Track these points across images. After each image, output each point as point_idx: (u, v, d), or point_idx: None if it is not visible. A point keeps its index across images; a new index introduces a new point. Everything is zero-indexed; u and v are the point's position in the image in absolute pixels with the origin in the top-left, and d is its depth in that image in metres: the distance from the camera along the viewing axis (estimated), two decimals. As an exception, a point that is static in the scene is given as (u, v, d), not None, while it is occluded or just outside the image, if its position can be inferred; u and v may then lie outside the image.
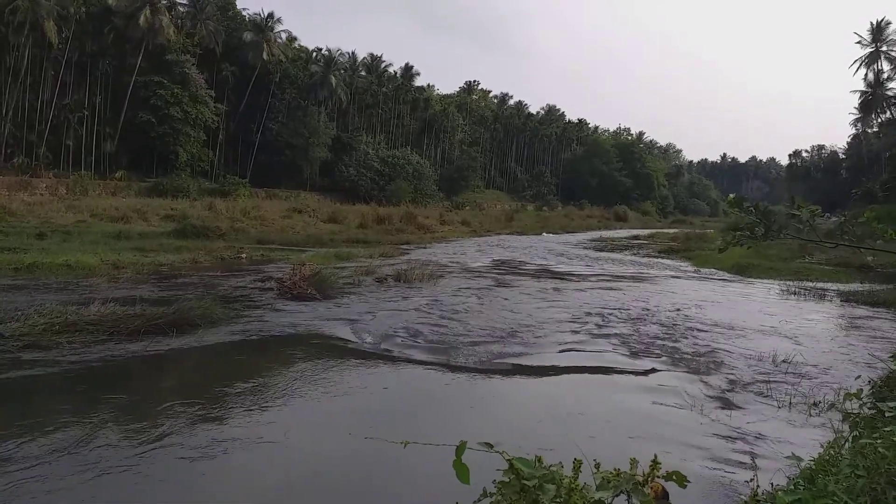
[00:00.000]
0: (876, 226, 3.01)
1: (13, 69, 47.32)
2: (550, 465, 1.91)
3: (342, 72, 70.69)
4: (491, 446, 1.79)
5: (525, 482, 1.83)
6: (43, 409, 6.57)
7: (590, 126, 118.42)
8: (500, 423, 6.58)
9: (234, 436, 5.73)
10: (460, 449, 1.74)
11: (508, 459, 1.83)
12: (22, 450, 5.26)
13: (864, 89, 70.79)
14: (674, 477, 2.04)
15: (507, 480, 1.85)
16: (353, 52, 75.59)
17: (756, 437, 6.04)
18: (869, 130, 74.10)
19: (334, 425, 6.27)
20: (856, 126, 76.32)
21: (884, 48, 68.77)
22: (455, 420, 6.68)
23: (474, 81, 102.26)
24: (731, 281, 20.19)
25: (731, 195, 3.17)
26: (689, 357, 9.23)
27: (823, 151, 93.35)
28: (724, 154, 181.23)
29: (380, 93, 76.77)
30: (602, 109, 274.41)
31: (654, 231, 57.40)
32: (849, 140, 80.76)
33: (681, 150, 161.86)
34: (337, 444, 5.80)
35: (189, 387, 7.76)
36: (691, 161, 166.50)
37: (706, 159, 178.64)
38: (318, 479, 5.15)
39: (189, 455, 5.25)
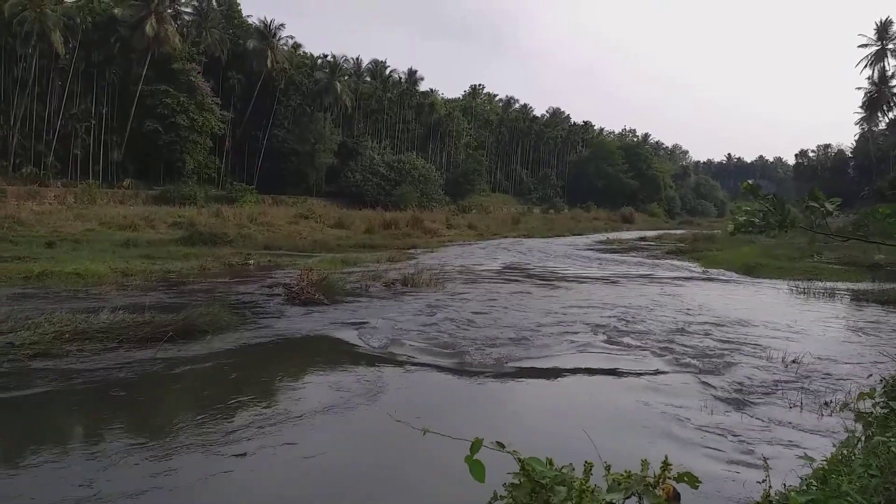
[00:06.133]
0: (891, 222, 2.97)
1: (21, 80, 47.72)
2: (561, 467, 1.91)
3: (347, 78, 70.94)
4: (503, 446, 1.79)
5: (539, 481, 1.82)
6: (53, 418, 6.61)
7: (595, 128, 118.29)
8: (509, 425, 6.57)
9: (246, 443, 5.74)
10: (475, 446, 1.73)
11: (521, 460, 1.83)
12: (31, 460, 5.30)
13: (868, 87, 70.53)
14: (685, 478, 2.03)
15: (518, 483, 1.84)
16: (357, 58, 75.91)
17: (767, 437, 6.00)
18: (875, 129, 73.70)
19: (345, 430, 6.27)
20: (861, 125, 75.93)
21: (890, 46, 68.52)
22: (464, 423, 6.66)
23: (479, 85, 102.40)
24: (739, 281, 20.10)
25: (748, 181, 3.13)
26: (699, 357, 9.19)
27: (830, 150, 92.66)
28: (730, 154, 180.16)
29: (384, 98, 76.96)
30: (607, 111, 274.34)
31: (661, 232, 57.23)
32: (856, 138, 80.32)
33: (687, 151, 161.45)
34: (341, 454, 5.81)
35: (198, 394, 7.77)
36: (698, 161, 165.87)
37: (711, 160, 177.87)
38: (330, 483, 5.15)
39: (200, 463, 5.26)
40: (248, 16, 64.67)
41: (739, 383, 7.84)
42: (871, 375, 7.38)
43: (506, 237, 43.74)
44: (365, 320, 11.55)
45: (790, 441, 5.86)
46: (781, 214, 2.78)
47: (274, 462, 5.36)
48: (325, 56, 70.62)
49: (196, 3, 59.82)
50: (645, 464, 2.14)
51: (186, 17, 59.36)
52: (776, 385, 7.68)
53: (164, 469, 5.10)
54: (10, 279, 14.53)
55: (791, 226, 2.82)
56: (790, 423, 6.40)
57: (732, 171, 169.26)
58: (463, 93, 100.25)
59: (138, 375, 7.75)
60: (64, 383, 7.28)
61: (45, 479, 4.94)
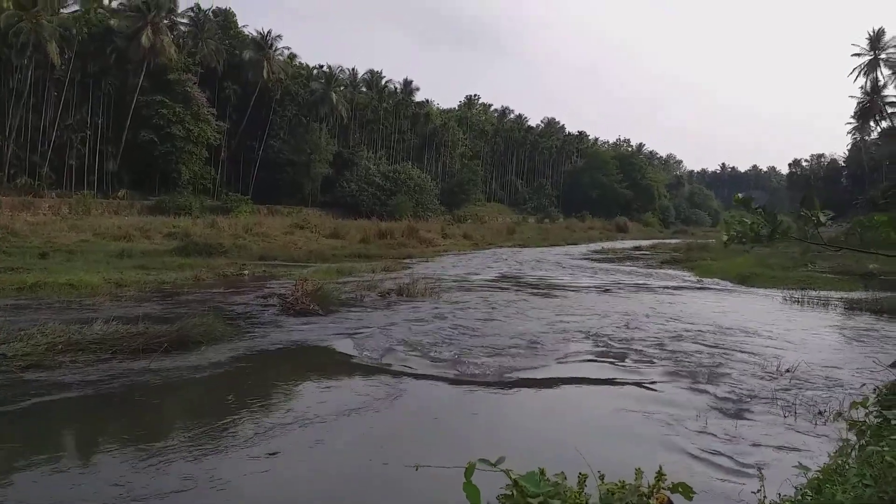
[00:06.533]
0: (886, 231, 2.99)
1: (16, 90, 47.69)
2: (555, 476, 1.90)
3: (343, 88, 71.11)
4: (495, 465, 1.78)
5: (530, 501, 1.81)
6: (44, 430, 6.55)
7: (590, 138, 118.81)
8: (503, 435, 6.55)
9: (237, 457, 5.72)
10: (469, 471, 1.73)
11: (514, 479, 1.82)
12: (58, 464, 5.36)
13: (861, 97, 71.03)
14: (679, 489, 2.02)
15: (511, 494, 1.84)
16: (353, 69, 76.13)
17: (762, 446, 6.00)
18: (868, 138, 74.18)
19: (339, 444, 6.24)
20: (854, 134, 76.40)
21: (882, 56, 69.06)
22: (460, 434, 6.65)
23: (474, 96, 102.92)
24: (733, 290, 20.15)
25: (739, 194, 3.15)
26: (693, 367, 9.20)
27: (823, 160, 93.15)
28: (724, 164, 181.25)
29: (380, 108, 77.19)
30: (601, 121, 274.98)
31: (655, 242, 57.38)
32: (848, 148, 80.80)
33: (681, 161, 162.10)
34: (342, 464, 5.78)
35: (191, 406, 7.74)
36: (692, 171, 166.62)
37: (706, 169, 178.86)
38: (323, 499, 5.13)
39: (192, 477, 5.22)
40: (243, 26, 64.92)
41: (734, 392, 7.84)
42: (864, 385, 7.41)
43: (501, 247, 43.78)
44: (360, 330, 11.53)
45: (785, 450, 5.86)
46: (772, 226, 2.80)
47: (266, 477, 5.34)
48: (321, 66, 70.88)
49: (192, 14, 60.01)
50: (639, 473, 2.13)
51: (182, 28, 59.44)
52: (770, 394, 7.69)
53: (196, 470, 5.17)
54: (3, 290, 14.46)
55: (782, 237, 2.84)
56: (784, 432, 6.41)
57: (727, 181, 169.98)
58: (458, 103, 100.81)
59: (130, 387, 7.71)
60: (56, 395, 7.24)
61: (75, 481, 5.11)
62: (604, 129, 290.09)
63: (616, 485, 2.05)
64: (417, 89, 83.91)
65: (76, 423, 6.91)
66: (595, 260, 34.28)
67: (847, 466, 3.21)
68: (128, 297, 14.71)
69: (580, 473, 2.01)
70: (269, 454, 5.73)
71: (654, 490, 2.05)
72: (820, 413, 6.87)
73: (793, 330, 12.56)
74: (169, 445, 5.93)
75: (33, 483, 5.10)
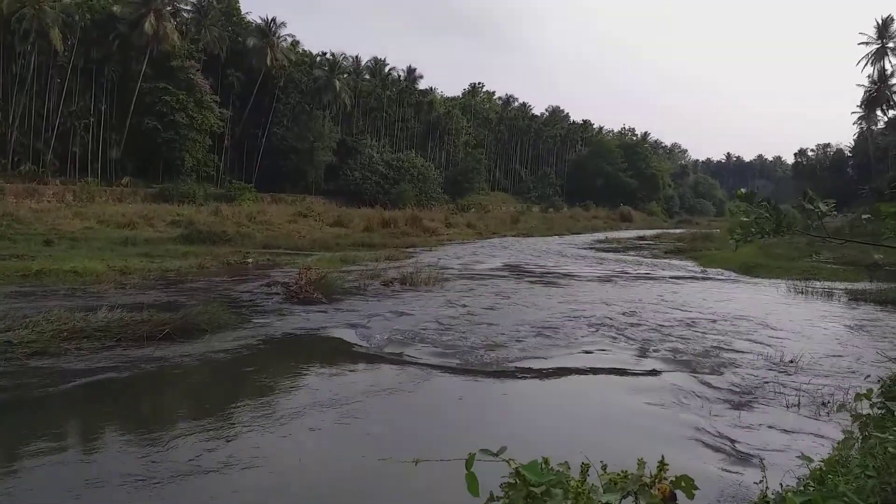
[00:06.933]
0: (891, 222, 2.97)
1: (19, 77, 47.61)
2: (558, 465, 1.90)
3: (346, 76, 70.80)
4: (497, 454, 1.79)
5: (532, 489, 1.82)
6: (49, 418, 6.60)
7: (594, 127, 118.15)
8: (507, 424, 6.57)
9: (276, 435, 5.88)
10: (469, 461, 1.73)
11: (515, 468, 1.83)
12: (29, 461, 5.32)
13: (867, 86, 70.48)
14: (682, 483, 2.02)
15: (514, 483, 1.84)
16: (356, 56, 75.70)
17: (765, 437, 6.01)
18: (874, 127, 73.68)
19: (344, 433, 6.26)
20: (860, 123, 75.84)
21: (890, 44, 68.47)
22: (463, 423, 6.68)
23: (479, 83, 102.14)
24: (737, 281, 20.12)
25: (741, 189, 3.13)
26: (696, 358, 9.20)
27: (829, 149, 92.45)
28: (729, 153, 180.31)
29: (384, 96, 76.85)
30: (606, 109, 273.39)
31: (659, 231, 57.25)
32: (855, 137, 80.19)
33: (686, 150, 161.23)
34: (346, 454, 5.81)
35: (196, 394, 7.78)
36: (697, 160, 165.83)
37: (711, 159, 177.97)
38: (326, 492, 5.15)
39: (196, 468, 5.24)
40: (246, 13, 64.63)
41: (737, 383, 7.85)
42: (868, 376, 7.41)
43: (505, 236, 43.74)
44: (363, 320, 11.55)
45: (787, 441, 5.87)
46: (777, 220, 2.78)
47: (270, 467, 5.37)
48: (325, 54, 70.49)
49: (195, 1, 59.68)
50: (641, 463, 2.13)
51: (185, 15, 59.11)
52: (774, 385, 7.69)
53: (155, 475, 5.08)
54: (8, 277, 14.52)
55: (787, 230, 2.83)
56: (788, 423, 6.41)
57: (731, 170, 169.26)
58: (462, 91, 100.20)
59: (135, 375, 7.74)
60: (61, 382, 7.28)
61: (118, 459, 5.28)
62: (609, 118, 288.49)
63: (618, 475, 2.05)
64: (421, 77, 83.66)
65: (107, 408, 6.97)
66: (599, 249, 34.24)
67: (850, 458, 3.21)
68: (132, 285, 14.75)
69: (583, 463, 2.01)
70: (310, 430, 5.96)
71: (657, 480, 2.05)
72: (824, 404, 6.87)
73: (797, 320, 12.55)
74: (203, 426, 6.07)
75: (77, 463, 5.24)
